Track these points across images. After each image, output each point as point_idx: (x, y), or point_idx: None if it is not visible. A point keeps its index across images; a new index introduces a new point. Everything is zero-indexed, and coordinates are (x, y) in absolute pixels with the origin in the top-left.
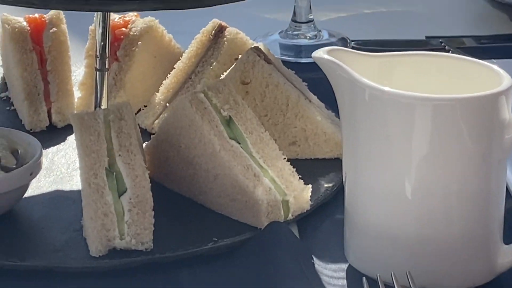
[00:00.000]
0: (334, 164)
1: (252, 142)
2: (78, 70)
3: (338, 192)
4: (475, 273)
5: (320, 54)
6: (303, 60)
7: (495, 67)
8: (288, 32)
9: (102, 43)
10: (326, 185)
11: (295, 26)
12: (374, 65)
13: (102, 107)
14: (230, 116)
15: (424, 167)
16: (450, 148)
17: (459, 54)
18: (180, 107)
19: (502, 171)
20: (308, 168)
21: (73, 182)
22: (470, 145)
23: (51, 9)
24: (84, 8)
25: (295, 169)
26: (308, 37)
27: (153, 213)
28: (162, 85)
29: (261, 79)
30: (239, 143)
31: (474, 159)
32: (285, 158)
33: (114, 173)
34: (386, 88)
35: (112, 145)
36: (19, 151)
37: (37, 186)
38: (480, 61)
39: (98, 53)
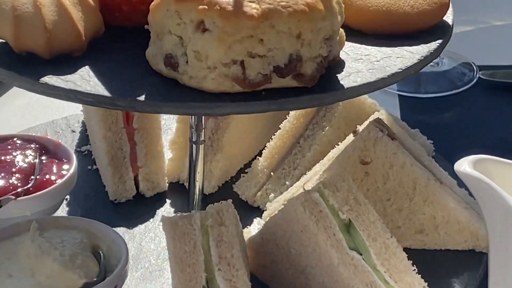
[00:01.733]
0: (468, 258)
1: (376, 252)
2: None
3: None
4: None
5: (464, 168)
6: (423, 95)
7: None
8: None
9: None
10: None
11: None
12: None
13: (197, 183)
14: (350, 220)
15: None
16: None
17: None
18: (292, 209)
19: None
20: (437, 262)
21: (164, 278)
22: None
23: (139, 112)
24: (178, 111)
25: (423, 280)
26: None
27: None
28: (265, 147)
29: (384, 158)
30: (361, 254)
31: None
32: (415, 270)
33: None
34: None
35: (210, 257)
36: (102, 252)
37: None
38: None
39: (192, 123)
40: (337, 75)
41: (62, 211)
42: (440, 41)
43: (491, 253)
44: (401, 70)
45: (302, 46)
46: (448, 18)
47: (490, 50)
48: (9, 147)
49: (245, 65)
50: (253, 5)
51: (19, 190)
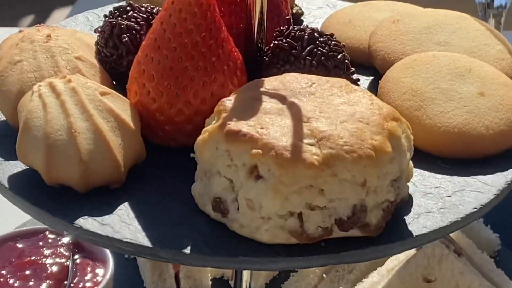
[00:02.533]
0: None
1: None
2: None
3: None
4: None
5: None
6: None
7: None
8: None
9: None
10: None
11: None
12: None
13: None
14: None
15: None
16: None
17: None
18: None
19: None
20: None
21: None
22: None
23: (183, 264)
24: (228, 266)
25: None
26: None
27: None
28: None
29: (450, 277)
30: None
31: None
32: None
33: None
34: None
35: None
36: None
37: None
38: None
39: None
40: (404, 217)
41: None
42: None
43: None
44: (476, 210)
45: (367, 194)
46: None
47: None
48: (40, 243)
49: (303, 217)
50: (313, 149)
51: None
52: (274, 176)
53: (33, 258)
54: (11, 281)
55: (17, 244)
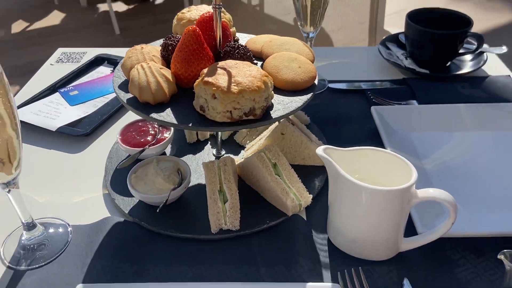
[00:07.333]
0: (321, 170)
1: (286, 175)
2: None
3: (323, 187)
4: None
5: (321, 152)
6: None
7: (408, 162)
8: None
9: None
10: (318, 184)
11: None
12: (347, 155)
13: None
14: (275, 163)
15: (362, 211)
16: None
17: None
18: (253, 159)
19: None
20: (309, 171)
21: None
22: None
23: (186, 129)
24: (205, 130)
25: (303, 182)
26: None
27: (239, 211)
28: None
29: (290, 132)
30: (279, 176)
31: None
32: (300, 180)
33: (222, 192)
34: (350, 178)
35: (221, 178)
36: (181, 170)
37: None
38: (399, 156)
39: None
40: (270, 112)
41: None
42: (311, 93)
43: (329, 188)
44: (296, 108)
45: (255, 103)
46: (315, 81)
47: (333, 72)
48: (145, 123)
49: (232, 113)
50: (235, 87)
51: (150, 143)
52: (220, 97)
53: (144, 128)
54: (135, 135)
55: (138, 123)
